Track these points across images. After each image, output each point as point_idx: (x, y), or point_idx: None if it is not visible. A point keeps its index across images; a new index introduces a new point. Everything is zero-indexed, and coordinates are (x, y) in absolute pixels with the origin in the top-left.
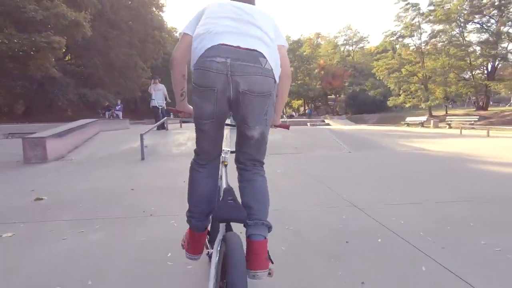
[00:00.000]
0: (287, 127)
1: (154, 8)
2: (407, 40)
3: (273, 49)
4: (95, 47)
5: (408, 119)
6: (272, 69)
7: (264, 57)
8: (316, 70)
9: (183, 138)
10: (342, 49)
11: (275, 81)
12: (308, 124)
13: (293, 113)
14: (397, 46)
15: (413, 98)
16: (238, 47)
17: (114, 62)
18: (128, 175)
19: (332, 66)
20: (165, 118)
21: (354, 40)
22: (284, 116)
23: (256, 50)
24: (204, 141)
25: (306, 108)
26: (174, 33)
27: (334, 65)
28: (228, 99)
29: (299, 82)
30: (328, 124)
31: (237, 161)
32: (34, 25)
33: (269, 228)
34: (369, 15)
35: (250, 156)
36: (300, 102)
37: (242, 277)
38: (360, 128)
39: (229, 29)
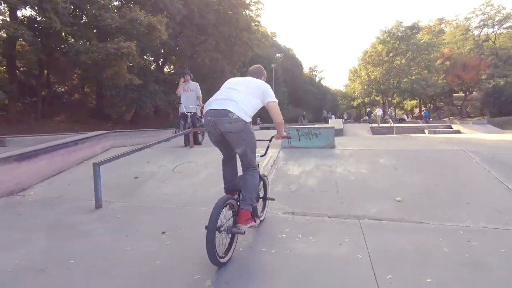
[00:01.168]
0: (288, 137)
1: (242, 9)
2: None
3: (242, 104)
4: (184, 54)
5: None
6: (239, 116)
7: (231, 111)
8: (438, 61)
9: (202, 162)
10: (476, 33)
11: (245, 122)
12: (426, 131)
13: (405, 116)
14: None
15: None
16: (217, 109)
17: (200, 67)
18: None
19: (461, 55)
20: (190, 129)
21: (496, 19)
22: (390, 121)
23: (225, 109)
24: (221, 151)
25: (423, 109)
26: (273, 37)
27: (465, 53)
28: (219, 135)
29: (413, 77)
30: (458, 132)
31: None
32: (112, 33)
33: (251, 205)
34: None
35: (243, 163)
36: (414, 102)
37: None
38: None
39: (218, 96)
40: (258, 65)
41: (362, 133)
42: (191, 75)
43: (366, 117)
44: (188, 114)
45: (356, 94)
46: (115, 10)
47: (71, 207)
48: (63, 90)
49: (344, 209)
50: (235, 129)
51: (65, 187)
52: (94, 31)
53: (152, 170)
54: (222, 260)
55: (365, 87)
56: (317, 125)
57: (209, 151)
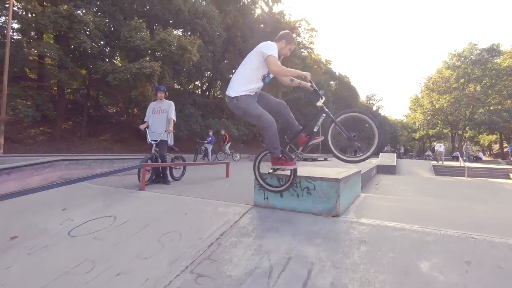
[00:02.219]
0: (308, 78)
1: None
2: None
3: (233, 83)
4: (224, 78)
5: None
6: (229, 96)
7: (229, 95)
8: None
9: (121, 220)
10: None
11: (231, 97)
12: (511, 175)
13: (480, 154)
14: None
15: None
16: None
17: None
18: None
19: None
20: (141, 164)
21: None
22: (461, 159)
23: (225, 94)
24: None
25: (505, 145)
26: (328, 65)
27: None
28: None
29: (491, 107)
30: None
31: None
32: (143, 54)
33: (273, 153)
34: None
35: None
36: (492, 137)
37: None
38: None
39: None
40: (285, 31)
41: (420, 172)
42: (165, 91)
43: (430, 152)
44: (153, 142)
45: (417, 125)
46: (148, 32)
47: None
48: (114, 111)
49: None
50: (232, 108)
51: None
52: (134, 52)
53: (47, 226)
54: (279, 189)
55: (428, 117)
56: (316, 170)
57: (156, 199)
